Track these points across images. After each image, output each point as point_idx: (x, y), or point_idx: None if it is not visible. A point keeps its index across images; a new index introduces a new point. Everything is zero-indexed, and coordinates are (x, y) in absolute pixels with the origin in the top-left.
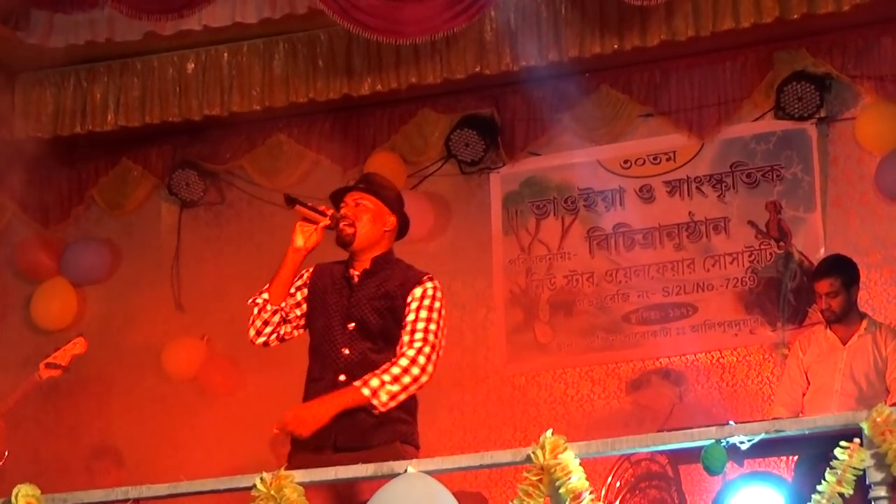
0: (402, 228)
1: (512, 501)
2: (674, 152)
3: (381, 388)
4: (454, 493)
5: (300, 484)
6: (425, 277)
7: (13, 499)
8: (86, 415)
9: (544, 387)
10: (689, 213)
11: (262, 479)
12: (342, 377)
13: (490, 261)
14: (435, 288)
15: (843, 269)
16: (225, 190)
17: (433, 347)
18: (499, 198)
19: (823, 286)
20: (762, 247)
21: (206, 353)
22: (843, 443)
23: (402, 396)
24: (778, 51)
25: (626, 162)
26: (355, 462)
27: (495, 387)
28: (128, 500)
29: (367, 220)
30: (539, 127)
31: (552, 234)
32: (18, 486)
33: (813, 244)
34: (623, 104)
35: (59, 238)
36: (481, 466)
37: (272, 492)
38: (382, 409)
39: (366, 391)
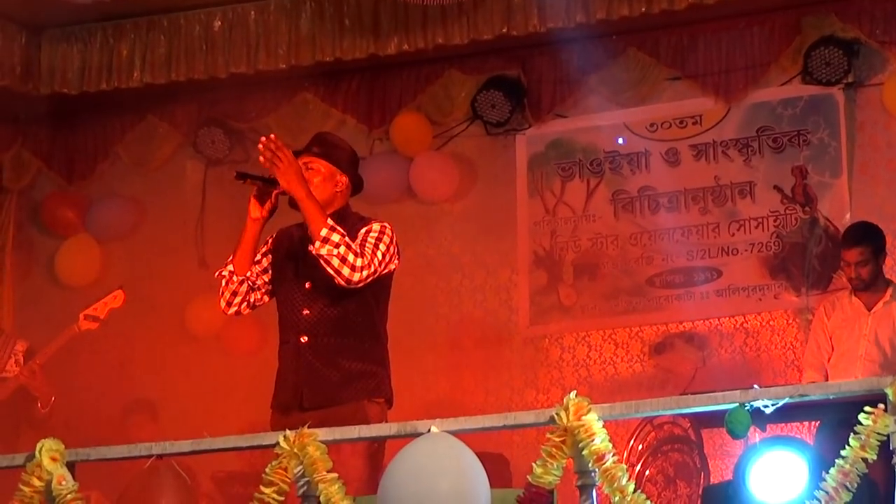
0: (356, 186)
1: (535, 462)
2: (700, 116)
3: (333, 245)
4: (476, 454)
5: (323, 442)
6: (375, 221)
7: (37, 453)
8: (113, 370)
9: (567, 349)
10: (715, 177)
11: (285, 436)
12: (304, 338)
13: (515, 222)
14: (384, 227)
15: (872, 237)
16: (250, 148)
17: (368, 260)
18: (524, 159)
19: (853, 255)
20: (787, 212)
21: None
22: (867, 408)
23: (330, 269)
24: (806, 15)
25: (652, 125)
26: (323, 421)
27: (518, 348)
28: (152, 455)
29: (316, 182)
30: (566, 89)
31: (577, 197)
32: (42, 440)
33: (838, 210)
34: (650, 67)
35: (84, 194)
36: (504, 427)
37: (295, 449)
38: (313, 250)
39: (325, 231)
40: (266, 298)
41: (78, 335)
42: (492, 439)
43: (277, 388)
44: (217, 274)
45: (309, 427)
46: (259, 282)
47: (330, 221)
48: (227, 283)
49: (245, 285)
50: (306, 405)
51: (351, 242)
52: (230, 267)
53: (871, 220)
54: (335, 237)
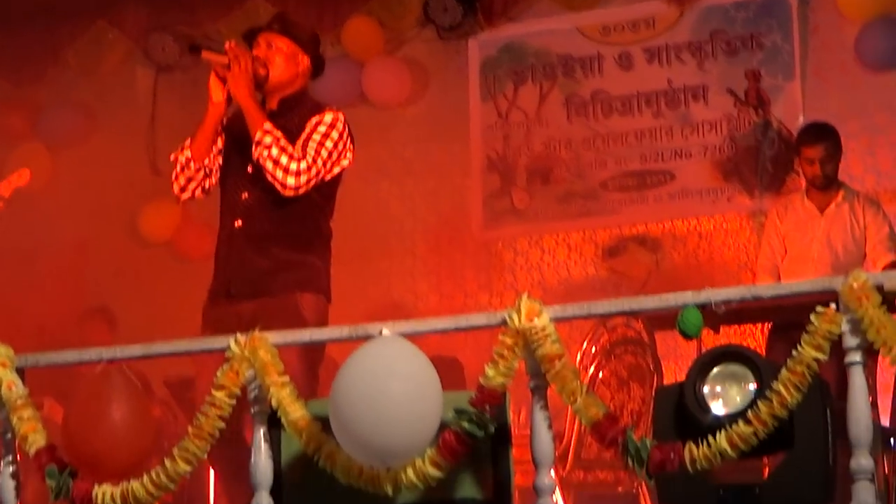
0: (317, 68)
1: (487, 364)
2: (653, 19)
3: (265, 147)
4: (430, 359)
5: (275, 345)
6: (328, 109)
7: None
8: (66, 277)
9: (521, 253)
10: (668, 80)
11: (236, 340)
12: (238, 223)
13: (467, 127)
14: (335, 118)
15: (832, 135)
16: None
17: (309, 163)
18: (477, 64)
19: (816, 151)
20: (740, 115)
21: (182, 217)
22: (818, 307)
23: (268, 176)
24: None
25: (604, 28)
26: (254, 312)
27: (472, 253)
28: (102, 360)
29: (279, 61)
30: None
31: (530, 101)
32: None
33: (792, 113)
34: None
35: (32, 101)
36: (456, 329)
37: (246, 353)
38: (254, 157)
39: (258, 134)
40: (216, 181)
41: None
42: (446, 344)
43: (212, 277)
44: (173, 157)
45: (239, 319)
46: (214, 166)
47: (267, 125)
48: (182, 169)
49: (202, 172)
50: (234, 292)
51: (287, 145)
52: (188, 153)
53: (824, 122)
54: (267, 139)
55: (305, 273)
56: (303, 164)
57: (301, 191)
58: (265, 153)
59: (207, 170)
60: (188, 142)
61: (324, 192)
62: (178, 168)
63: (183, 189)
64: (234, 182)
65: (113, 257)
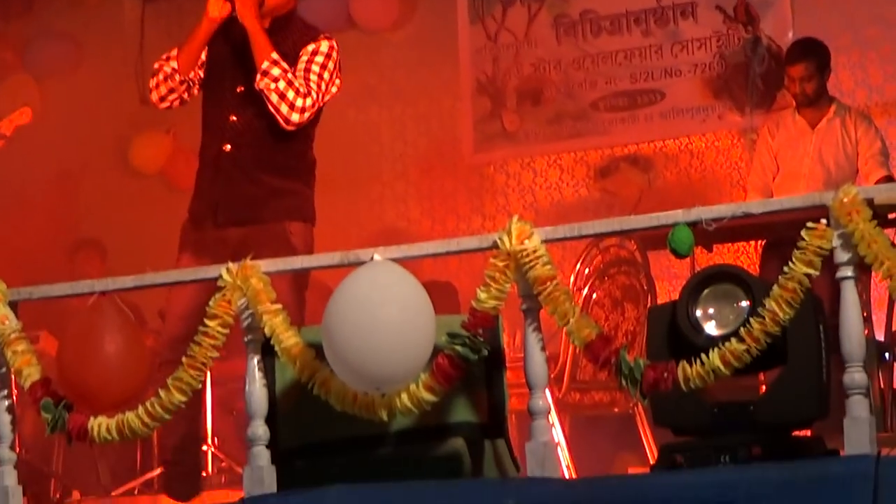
0: None
1: (479, 288)
2: None
3: (272, 80)
4: (424, 284)
5: (266, 274)
6: (322, 35)
7: None
8: (56, 209)
9: (512, 175)
10: None
11: (227, 269)
12: (227, 147)
13: (456, 50)
14: (331, 47)
15: (816, 53)
16: None
17: (314, 99)
18: None
19: (798, 70)
20: (730, 31)
21: (172, 147)
22: (809, 223)
23: (270, 107)
24: None
25: None
26: (242, 240)
27: (463, 176)
28: (94, 293)
29: None
30: None
31: (519, 22)
32: None
33: (781, 28)
34: None
35: (20, 33)
36: (448, 253)
37: (238, 282)
38: (257, 85)
39: (266, 64)
40: (196, 92)
41: None
42: (439, 268)
43: (193, 197)
44: (157, 65)
45: (225, 245)
46: (196, 79)
47: (274, 55)
48: (165, 79)
49: (185, 84)
50: (221, 220)
51: (293, 78)
52: (174, 63)
53: (814, 37)
54: (275, 70)
55: (294, 201)
56: (308, 101)
57: (302, 124)
58: (272, 85)
59: (191, 82)
60: (174, 52)
61: (312, 121)
62: (161, 77)
63: (163, 99)
64: (221, 102)
65: (103, 189)
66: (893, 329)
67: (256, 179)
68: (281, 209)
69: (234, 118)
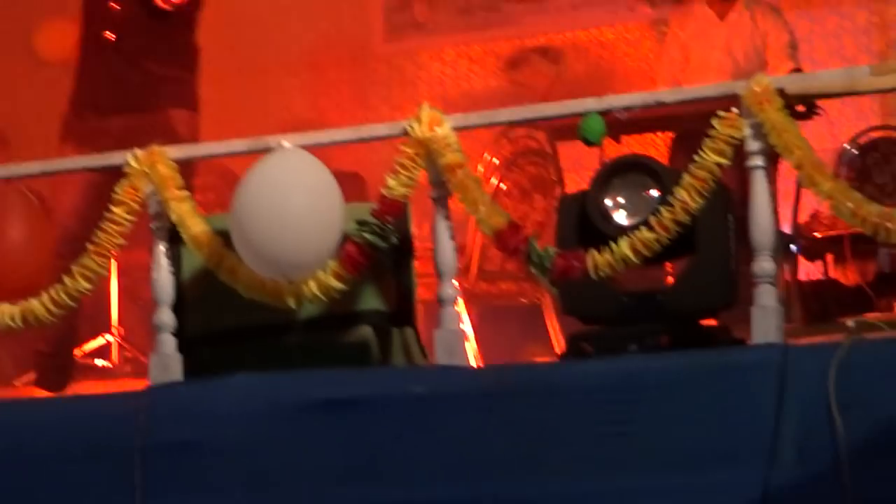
0: None
1: (388, 174)
2: None
3: None
4: (333, 174)
5: (174, 161)
6: None
7: None
8: None
9: (422, 66)
10: None
11: (134, 155)
12: (109, 35)
13: None
14: None
15: None
16: None
17: None
18: None
19: None
20: None
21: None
22: (720, 112)
23: None
24: None
25: None
26: (126, 129)
27: (373, 67)
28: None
29: None
30: None
31: None
32: None
33: None
34: None
35: None
36: (357, 140)
37: (145, 168)
38: None
39: None
40: None
41: None
42: (347, 159)
43: (74, 87)
44: None
45: (108, 134)
46: None
47: None
48: None
49: None
50: (103, 109)
51: None
52: None
53: None
54: None
55: (178, 89)
56: None
57: (181, 6)
58: None
59: None
60: None
61: (194, 5)
62: None
63: None
64: None
65: (7, 77)
66: (799, 221)
67: (139, 66)
68: (165, 97)
69: (115, 5)
